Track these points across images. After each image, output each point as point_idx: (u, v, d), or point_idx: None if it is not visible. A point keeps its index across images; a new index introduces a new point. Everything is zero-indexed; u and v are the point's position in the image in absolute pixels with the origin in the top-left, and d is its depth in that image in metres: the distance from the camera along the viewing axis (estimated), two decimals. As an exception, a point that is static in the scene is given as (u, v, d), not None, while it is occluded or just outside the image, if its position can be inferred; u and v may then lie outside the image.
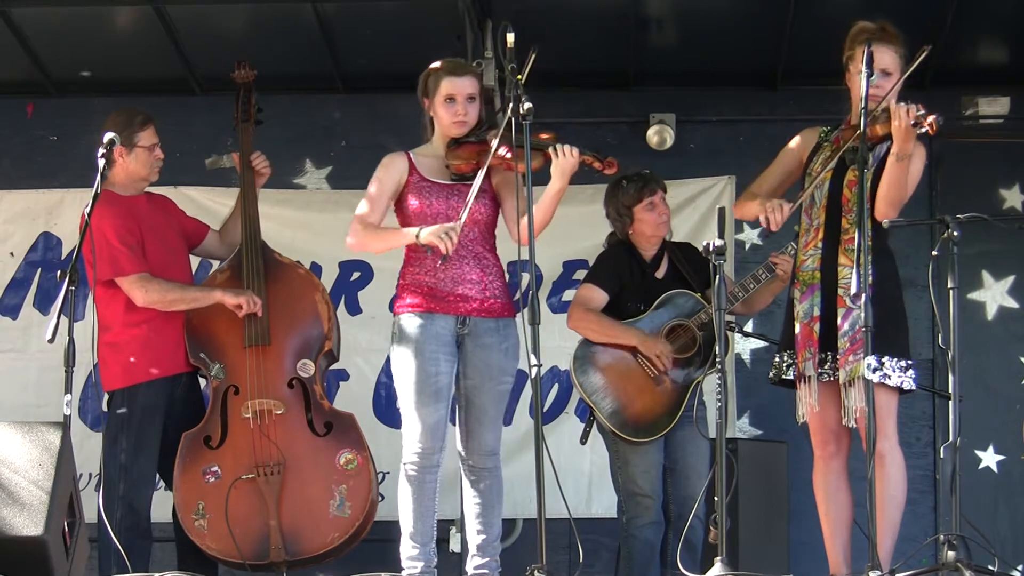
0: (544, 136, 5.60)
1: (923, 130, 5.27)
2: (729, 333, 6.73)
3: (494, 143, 5.61)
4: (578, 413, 7.82)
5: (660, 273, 6.53)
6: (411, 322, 5.67)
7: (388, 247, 5.81)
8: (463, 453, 5.75)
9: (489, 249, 5.79)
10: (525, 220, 5.37)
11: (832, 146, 5.67)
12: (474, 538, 5.73)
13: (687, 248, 6.67)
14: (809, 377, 5.58)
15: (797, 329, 5.64)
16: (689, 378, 6.37)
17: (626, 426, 6.33)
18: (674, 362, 6.36)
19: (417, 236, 5.56)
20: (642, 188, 6.47)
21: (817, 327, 5.58)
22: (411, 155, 5.83)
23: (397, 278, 5.82)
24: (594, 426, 6.52)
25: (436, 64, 5.83)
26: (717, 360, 5.30)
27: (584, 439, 6.61)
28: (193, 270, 6.79)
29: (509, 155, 5.54)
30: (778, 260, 6.24)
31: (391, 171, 5.81)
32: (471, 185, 5.64)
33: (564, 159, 5.54)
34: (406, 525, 5.65)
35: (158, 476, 6.46)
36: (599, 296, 6.46)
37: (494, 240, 5.85)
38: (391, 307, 8.12)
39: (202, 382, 6.51)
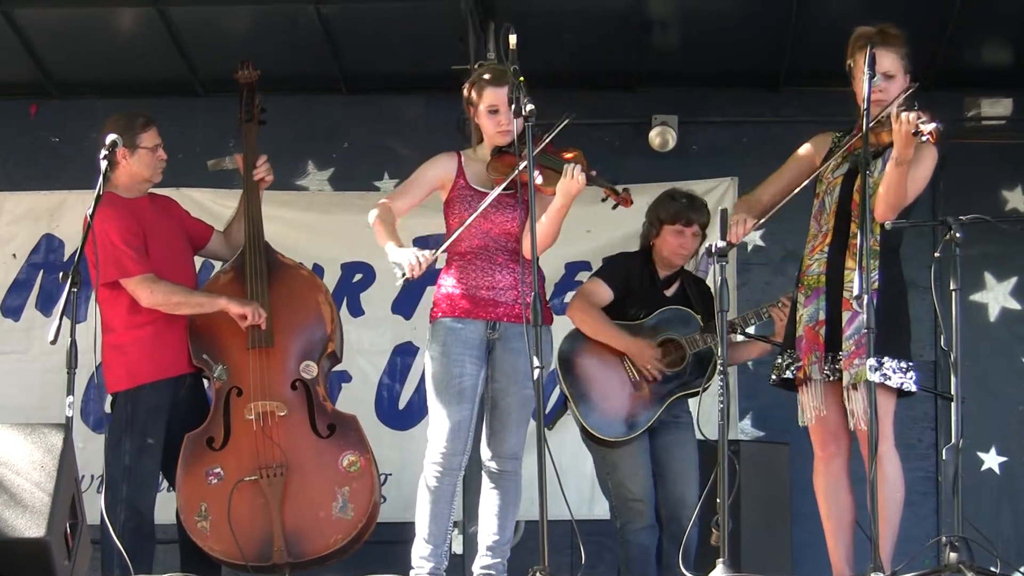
0: (568, 155, 5.59)
1: (924, 139, 5.26)
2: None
3: (522, 163, 5.60)
4: (571, 415, 7.83)
5: (669, 292, 6.56)
6: (441, 327, 5.70)
7: (378, 240, 5.75)
8: (485, 455, 5.76)
9: (526, 260, 5.76)
10: (527, 234, 5.46)
11: (845, 154, 5.66)
12: (486, 538, 5.74)
13: (700, 283, 6.70)
14: (815, 381, 5.57)
15: (800, 332, 5.63)
16: (669, 392, 6.39)
17: (597, 423, 6.34)
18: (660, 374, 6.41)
19: (387, 248, 5.59)
20: (679, 213, 6.49)
21: (823, 331, 5.57)
22: (462, 157, 5.85)
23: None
24: (565, 413, 6.57)
25: (478, 72, 5.84)
26: (720, 362, 5.30)
27: (551, 424, 6.64)
28: (196, 269, 6.78)
29: (539, 179, 5.51)
30: (780, 313, 6.30)
31: (434, 168, 5.84)
32: (511, 194, 5.67)
33: (569, 181, 5.53)
34: (421, 526, 5.67)
35: (162, 477, 6.46)
36: (604, 292, 6.49)
37: None
38: (394, 309, 8.21)
39: (205, 383, 6.51)
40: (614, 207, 5.72)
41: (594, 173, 5.60)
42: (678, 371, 6.42)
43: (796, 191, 5.65)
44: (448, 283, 5.76)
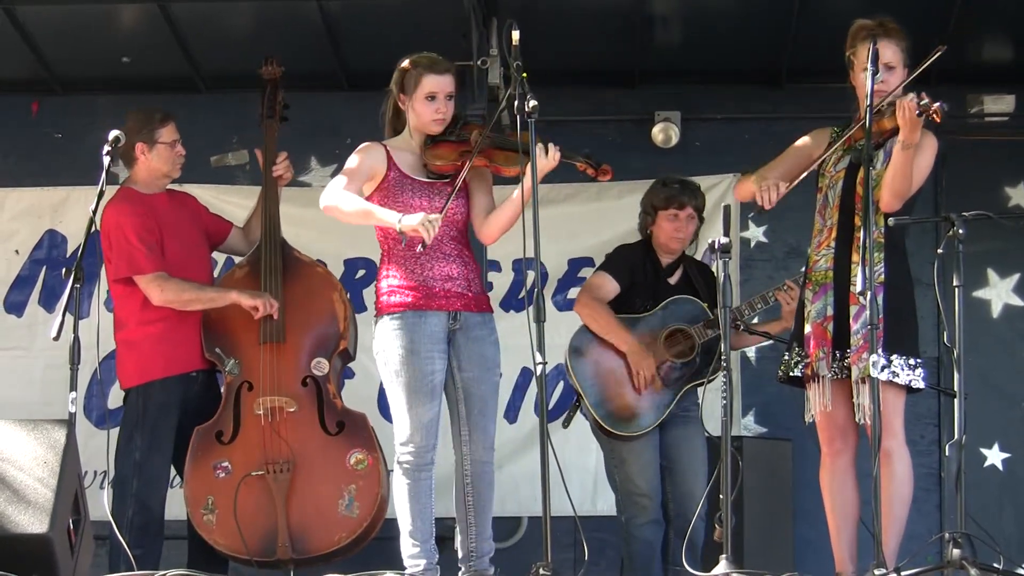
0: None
1: (930, 116, 5.26)
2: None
3: (475, 142, 5.61)
4: (582, 411, 7.82)
5: (673, 280, 6.55)
6: (403, 321, 5.64)
7: (363, 220, 5.63)
8: (464, 448, 5.71)
9: (466, 245, 5.79)
10: (490, 219, 5.62)
11: (844, 146, 5.66)
12: (470, 534, 5.71)
13: (704, 267, 6.69)
14: (823, 377, 5.57)
15: (808, 329, 5.62)
16: (680, 383, 6.39)
17: (609, 417, 6.36)
18: (669, 366, 6.39)
19: (399, 222, 5.48)
20: (671, 198, 6.51)
21: (830, 327, 5.56)
22: (389, 148, 5.77)
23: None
24: (577, 411, 6.55)
25: (414, 59, 5.77)
26: (722, 358, 5.29)
27: (566, 423, 6.63)
28: (218, 268, 6.77)
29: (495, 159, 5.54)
30: (787, 297, 6.28)
31: (369, 156, 5.73)
32: (451, 182, 5.67)
33: (543, 159, 5.46)
34: (404, 524, 5.64)
35: (173, 473, 6.46)
36: (610, 285, 6.49)
37: (468, 237, 5.84)
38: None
39: (218, 378, 6.51)
40: (593, 179, 5.74)
41: (562, 149, 5.55)
42: (688, 361, 6.41)
43: (796, 181, 5.63)
44: (396, 274, 5.68)
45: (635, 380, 6.37)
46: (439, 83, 5.71)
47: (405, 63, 5.78)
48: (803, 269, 5.84)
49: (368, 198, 5.67)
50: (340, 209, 5.61)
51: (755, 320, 6.64)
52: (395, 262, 5.71)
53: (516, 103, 5.30)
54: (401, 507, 5.65)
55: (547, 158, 5.48)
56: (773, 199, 5.55)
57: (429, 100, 5.72)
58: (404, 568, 5.61)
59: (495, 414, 5.77)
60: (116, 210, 5.97)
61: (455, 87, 5.77)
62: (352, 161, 5.75)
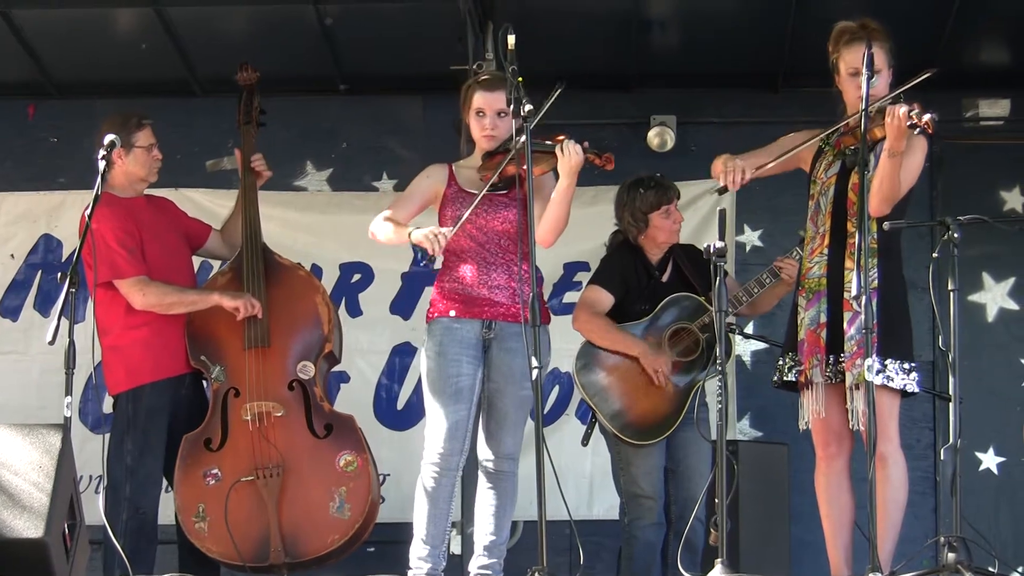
0: (557, 139, 5.60)
1: (918, 131, 5.27)
2: (730, 335, 6.72)
3: (512, 152, 5.62)
4: (579, 415, 7.83)
5: (665, 276, 6.54)
6: (438, 327, 5.72)
7: (390, 241, 5.77)
8: (482, 455, 5.76)
9: (522, 257, 5.77)
10: (542, 223, 5.59)
11: (834, 151, 5.66)
12: (482, 538, 5.74)
13: (690, 250, 6.66)
14: (816, 384, 5.57)
15: (802, 335, 5.62)
16: (691, 381, 6.38)
17: (628, 428, 6.34)
18: (677, 365, 6.38)
19: (409, 235, 5.60)
20: (661, 196, 6.48)
21: (824, 333, 5.57)
22: (453, 167, 5.89)
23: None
24: (595, 428, 6.53)
25: (475, 75, 5.86)
26: (718, 362, 5.30)
27: (586, 441, 6.62)
28: (212, 273, 6.77)
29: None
30: (783, 264, 6.26)
31: (427, 179, 5.89)
32: (504, 194, 5.73)
33: (569, 157, 5.55)
34: (419, 526, 5.67)
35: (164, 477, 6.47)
36: (605, 298, 6.46)
37: (526, 248, 5.82)
38: (392, 309, 8.21)
39: (204, 384, 6.51)
40: (596, 169, 5.76)
41: (586, 144, 5.62)
42: (695, 358, 6.40)
43: (766, 167, 5.64)
44: (443, 283, 5.78)
45: (655, 379, 6.34)
46: (488, 100, 5.77)
47: (469, 79, 5.90)
48: (797, 276, 5.83)
49: (439, 209, 5.82)
50: (376, 235, 5.81)
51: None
52: (444, 269, 5.80)
53: (513, 107, 5.33)
54: (419, 509, 5.68)
55: (572, 155, 5.53)
56: (737, 181, 5.57)
57: (478, 116, 5.80)
58: (405, 572, 5.63)
59: (517, 427, 5.77)
60: (96, 216, 5.94)
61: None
62: (409, 186, 5.91)
